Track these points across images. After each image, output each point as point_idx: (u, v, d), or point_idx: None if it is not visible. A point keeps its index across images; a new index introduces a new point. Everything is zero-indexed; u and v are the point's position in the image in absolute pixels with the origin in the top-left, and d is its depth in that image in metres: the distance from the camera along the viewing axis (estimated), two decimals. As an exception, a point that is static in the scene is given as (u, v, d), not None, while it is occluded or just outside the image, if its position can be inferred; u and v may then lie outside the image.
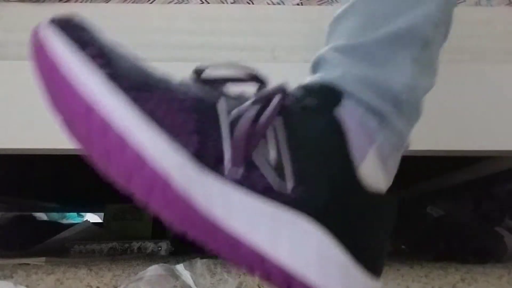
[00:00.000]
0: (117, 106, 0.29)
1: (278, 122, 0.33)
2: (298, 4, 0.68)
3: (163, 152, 0.29)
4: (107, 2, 0.68)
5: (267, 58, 0.67)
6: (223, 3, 0.69)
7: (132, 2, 0.68)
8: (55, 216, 2.22)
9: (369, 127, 0.35)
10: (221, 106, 0.32)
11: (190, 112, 0.31)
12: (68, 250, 0.88)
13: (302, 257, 0.30)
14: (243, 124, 0.31)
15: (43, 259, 0.73)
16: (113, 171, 0.30)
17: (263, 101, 0.33)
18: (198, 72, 0.36)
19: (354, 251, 0.32)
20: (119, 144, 0.28)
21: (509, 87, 0.66)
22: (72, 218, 2.39)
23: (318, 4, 0.69)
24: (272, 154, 0.32)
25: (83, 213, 2.37)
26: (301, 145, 0.33)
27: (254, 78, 0.37)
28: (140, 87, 0.31)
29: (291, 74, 0.67)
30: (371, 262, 0.34)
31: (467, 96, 0.66)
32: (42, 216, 1.93)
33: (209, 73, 0.36)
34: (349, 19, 0.39)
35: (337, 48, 0.38)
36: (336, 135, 0.34)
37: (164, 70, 0.66)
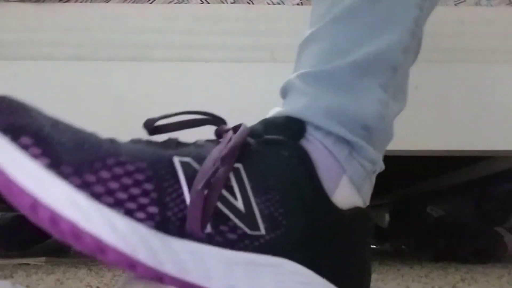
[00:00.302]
0: (63, 196, 0.27)
1: (241, 164, 0.32)
2: (298, 4, 0.69)
3: (122, 233, 0.27)
4: (107, 2, 0.68)
5: (266, 58, 0.67)
6: (223, 3, 0.69)
7: (132, 2, 0.68)
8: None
9: (339, 158, 0.34)
10: (177, 165, 0.31)
11: (145, 182, 0.29)
12: (68, 250, 0.88)
13: None
14: (203, 179, 0.29)
15: (43, 259, 0.73)
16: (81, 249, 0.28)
17: (221, 147, 0.31)
18: (149, 126, 0.34)
19: (338, 281, 0.32)
20: (74, 234, 0.27)
21: (509, 87, 0.66)
22: (72, 218, 2.38)
23: (318, 4, 0.69)
24: (240, 200, 0.31)
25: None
26: (268, 185, 0.32)
27: (210, 120, 0.36)
28: (85, 169, 0.28)
29: (291, 74, 0.67)
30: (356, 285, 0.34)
31: (467, 96, 0.66)
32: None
33: (161, 125, 0.35)
34: (316, 44, 0.39)
35: (304, 76, 0.37)
36: (304, 168, 0.33)
37: (165, 70, 0.66)
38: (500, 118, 0.65)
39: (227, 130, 0.34)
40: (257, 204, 0.31)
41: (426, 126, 0.65)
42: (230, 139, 0.32)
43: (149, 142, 0.33)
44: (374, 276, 0.65)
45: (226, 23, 0.68)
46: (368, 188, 0.37)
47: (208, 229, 0.29)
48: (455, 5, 0.70)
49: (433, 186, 1.19)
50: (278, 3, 0.68)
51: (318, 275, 0.31)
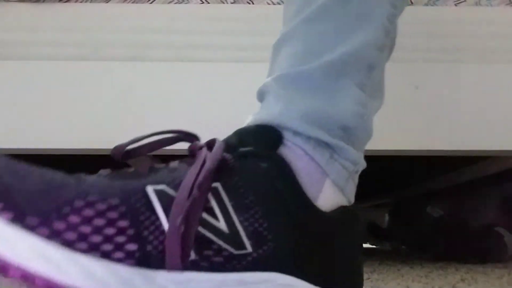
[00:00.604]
0: (32, 251, 0.25)
1: (219, 183, 0.30)
2: (298, 4, 0.68)
3: (100, 279, 0.26)
4: (107, 2, 0.68)
5: (266, 58, 0.67)
6: (223, 3, 0.69)
7: (132, 2, 0.68)
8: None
9: (320, 162, 0.33)
10: (152, 194, 0.29)
11: (119, 220, 0.28)
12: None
13: None
14: (179, 214, 0.27)
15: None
16: None
17: (195, 169, 0.30)
18: (118, 153, 0.32)
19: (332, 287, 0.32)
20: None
21: (509, 87, 0.66)
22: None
23: (318, 4, 0.69)
24: (222, 221, 0.30)
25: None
26: (250, 201, 0.31)
27: (182, 137, 0.34)
28: (53, 217, 0.27)
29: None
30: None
31: (467, 96, 0.66)
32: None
33: (131, 149, 0.33)
34: (290, 45, 0.38)
35: (279, 79, 0.36)
36: (284, 178, 0.32)
37: (165, 70, 0.66)
38: (500, 118, 0.65)
39: (201, 147, 0.32)
40: (241, 222, 0.30)
41: (426, 126, 0.65)
42: (204, 160, 0.30)
43: (119, 172, 0.32)
44: (374, 276, 0.65)
45: (226, 23, 0.68)
46: (352, 187, 0.36)
47: (192, 256, 0.28)
48: (455, 5, 0.70)
49: (433, 186, 1.19)
50: (278, 3, 0.68)
51: (311, 284, 0.31)
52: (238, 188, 0.31)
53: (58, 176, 0.29)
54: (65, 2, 0.68)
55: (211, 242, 0.29)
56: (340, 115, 0.35)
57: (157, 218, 0.28)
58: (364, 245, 1.73)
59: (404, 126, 0.65)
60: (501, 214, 1.15)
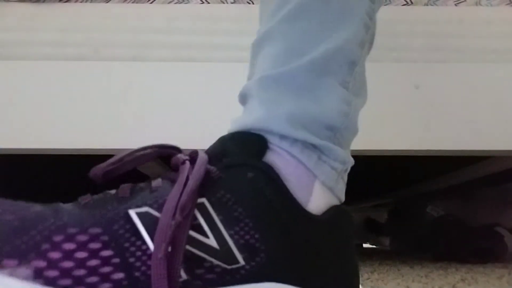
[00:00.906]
0: None
1: (205, 198, 0.30)
2: (298, 4, 0.68)
3: None
4: (107, 2, 0.68)
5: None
6: (223, 3, 0.69)
7: (132, 2, 0.68)
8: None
9: (309, 165, 0.33)
10: (135, 218, 0.28)
11: (103, 249, 0.27)
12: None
13: None
14: (163, 241, 0.26)
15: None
16: None
17: (178, 189, 0.29)
18: (96, 175, 0.31)
19: None
20: None
21: (509, 87, 0.66)
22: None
23: (318, 4, 0.69)
24: (211, 237, 0.29)
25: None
26: (239, 213, 0.30)
27: (163, 152, 0.33)
28: (32, 256, 0.25)
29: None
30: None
31: (467, 96, 0.66)
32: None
33: (110, 169, 0.31)
34: (270, 45, 0.37)
35: (261, 80, 0.35)
36: (272, 186, 0.31)
37: (165, 70, 0.66)
38: (500, 118, 0.65)
39: (184, 161, 0.31)
40: (231, 236, 0.29)
41: (426, 126, 0.65)
42: (187, 177, 0.29)
43: (99, 198, 0.30)
44: (374, 276, 0.65)
45: (226, 23, 0.68)
46: (342, 186, 0.35)
47: (183, 276, 0.28)
48: (455, 5, 0.70)
49: (433, 186, 1.19)
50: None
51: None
52: (225, 201, 0.30)
53: (32, 209, 0.28)
54: (65, 2, 0.68)
55: (202, 260, 0.28)
56: (326, 115, 0.34)
57: (143, 242, 0.28)
58: (364, 245, 1.73)
59: (404, 126, 0.65)
60: (501, 214, 1.15)
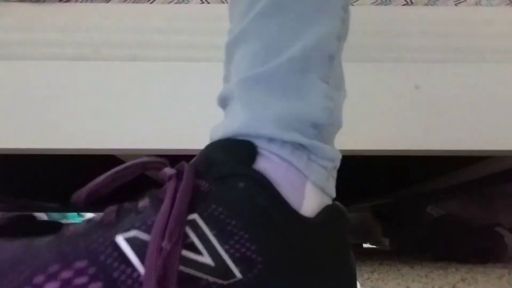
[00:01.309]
0: None
1: (196, 214, 0.29)
2: (298, 4, 0.68)
3: None
4: (107, 2, 0.68)
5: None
6: (223, 3, 0.69)
7: (132, 2, 0.68)
8: (55, 216, 2.22)
9: (299, 166, 0.32)
10: (123, 244, 0.27)
11: (91, 283, 0.26)
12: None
13: None
14: (153, 257, 0.26)
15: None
16: None
17: (165, 209, 0.28)
18: (79, 200, 0.30)
19: None
20: None
21: (509, 87, 0.66)
22: (72, 218, 2.39)
23: (318, 4, 0.69)
24: (206, 254, 0.28)
25: (83, 213, 2.37)
26: (232, 226, 0.29)
27: (148, 167, 0.32)
28: None
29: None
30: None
31: (467, 96, 0.66)
32: (42, 216, 1.93)
33: (94, 191, 0.30)
34: (246, 44, 0.35)
35: (242, 83, 0.34)
36: (265, 195, 0.30)
37: (164, 70, 0.66)
38: (500, 118, 0.65)
39: (170, 177, 0.30)
40: (226, 250, 0.28)
41: (426, 126, 0.65)
42: (175, 196, 0.28)
43: (84, 227, 0.29)
44: (374, 276, 0.65)
45: (226, 23, 0.68)
46: (332, 184, 0.35)
47: None
48: (455, 5, 0.70)
49: (433, 186, 1.19)
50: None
51: None
52: (218, 215, 0.29)
53: (6, 251, 0.26)
54: (65, 2, 0.68)
55: (198, 279, 0.27)
56: (311, 113, 0.33)
57: (134, 269, 0.27)
58: (364, 245, 1.73)
59: (404, 126, 0.65)
60: (501, 214, 1.15)
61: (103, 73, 0.65)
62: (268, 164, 0.31)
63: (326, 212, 0.33)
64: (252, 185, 0.30)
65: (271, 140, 0.32)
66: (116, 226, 0.28)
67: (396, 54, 0.67)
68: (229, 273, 0.28)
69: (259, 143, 0.32)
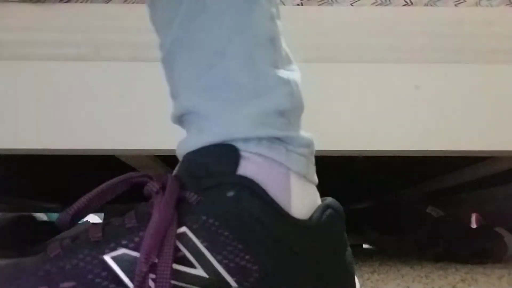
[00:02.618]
0: None
1: (186, 227, 0.28)
2: (298, 4, 0.68)
3: None
4: (107, 3, 0.68)
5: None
6: (223, 3, 0.69)
7: (132, 2, 0.68)
8: (55, 216, 2.22)
9: (280, 159, 0.31)
10: (112, 263, 0.27)
11: None
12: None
13: None
14: (143, 276, 0.25)
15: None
16: None
17: (153, 227, 0.27)
18: (64, 221, 0.29)
19: None
20: None
21: (509, 87, 0.66)
22: (72, 218, 2.39)
23: (318, 4, 0.69)
24: (199, 267, 0.28)
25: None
26: (225, 237, 0.28)
27: (133, 182, 0.31)
28: None
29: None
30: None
31: (467, 96, 0.66)
32: (42, 216, 1.93)
33: (79, 210, 0.30)
34: (184, 53, 0.34)
35: (196, 95, 0.33)
36: (257, 201, 0.30)
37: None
38: (500, 118, 0.65)
39: (157, 191, 0.29)
40: (220, 261, 0.28)
41: (426, 126, 0.65)
42: (161, 211, 0.28)
43: (70, 246, 0.28)
44: (374, 277, 0.65)
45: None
46: (313, 169, 0.34)
47: None
48: (455, 5, 0.70)
49: (433, 186, 1.19)
50: (278, 4, 0.68)
51: None
52: (209, 226, 0.29)
53: None
54: (65, 2, 0.68)
55: None
56: (275, 103, 0.32)
57: (125, 287, 0.27)
58: (364, 246, 1.73)
59: (404, 126, 0.65)
60: (501, 214, 1.15)
61: (103, 73, 0.65)
62: (252, 166, 0.31)
63: (320, 212, 0.32)
64: (241, 193, 0.30)
65: (247, 140, 0.31)
66: (103, 244, 0.28)
67: (396, 54, 0.67)
68: (225, 284, 0.28)
69: (239, 145, 0.31)
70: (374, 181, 1.29)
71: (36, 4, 0.67)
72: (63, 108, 0.64)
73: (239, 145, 0.31)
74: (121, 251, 0.27)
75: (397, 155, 0.66)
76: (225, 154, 0.31)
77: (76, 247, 0.28)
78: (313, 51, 0.67)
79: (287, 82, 0.33)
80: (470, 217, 1.11)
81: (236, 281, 0.28)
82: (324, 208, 0.33)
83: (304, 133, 0.34)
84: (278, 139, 0.32)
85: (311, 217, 0.32)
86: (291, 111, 0.33)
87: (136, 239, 0.28)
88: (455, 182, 1.07)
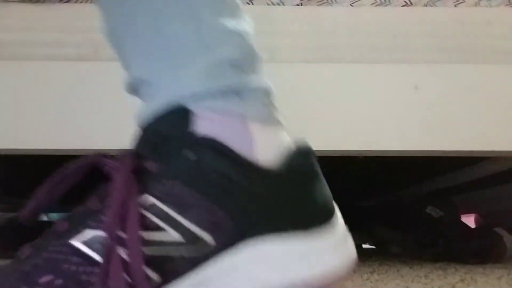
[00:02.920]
0: None
1: (153, 197, 0.28)
2: (298, 5, 0.68)
3: None
4: (107, 2, 0.68)
5: (266, 58, 0.67)
6: (223, 3, 0.69)
7: (132, 2, 0.68)
8: (55, 216, 2.22)
9: (235, 109, 0.31)
10: (83, 248, 0.27)
11: None
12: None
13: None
14: (112, 245, 0.26)
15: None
16: None
17: (112, 199, 0.27)
18: (25, 218, 0.29)
19: (309, 229, 0.30)
20: None
21: (509, 87, 0.66)
22: (72, 218, 2.39)
23: (318, 5, 0.69)
24: (168, 229, 0.28)
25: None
26: (194, 200, 0.28)
27: (94, 163, 0.31)
28: None
29: (291, 74, 0.67)
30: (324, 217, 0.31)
31: (467, 96, 0.66)
32: (42, 216, 1.93)
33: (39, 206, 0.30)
34: (130, 40, 0.33)
35: (144, 60, 0.32)
36: (221, 159, 0.29)
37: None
38: (500, 118, 0.65)
39: (115, 168, 0.29)
40: (192, 221, 0.28)
41: (426, 126, 0.65)
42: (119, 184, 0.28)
43: (39, 243, 0.29)
44: (374, 277, 0.65)
45: (226, 23, 0.68)
46: (274, 111, 0.33)
47: (155, 278, 0.27)
48: (455, 5, 0.70)
49: (433, 186, 1.19)
50: (278, 4, 0.68)
51: (283, 232, 0.29)
52: (174, 191, 0.29)
53: None
54: (65, 2, 0.68)
55: (170, 258, 0.27)
56: (223, 54, 0.31)
57: (101, 267, 0.27)
58: (364, 246, 1.73)
59: (404, 126, 0.65)
60: (500, 214, 1.15)
61: (103, 73, 0.65)
62: (207, 122, 0.30)
63: (289, 158, 0.31)
64: (202, 153, 0.29)
65: (198, 97, 0.30)
66: (71, 231, 0.28)
67: (396, 54, 0.68)
68: (201, 242, 0.28)
69: (190, 104, 0.30)
70: (373, 181, 1.30)
71: (36, 4, 0.67)
72: (63, 108, 0.64)
73: (190, 104, 0.30)
74: (89, 233, 0.27)
75: (397, 155, 0.66)
76: (176, 116, 0.30)
77: (45, 242, 0.28)
78: (313, 51, 0.67)
79: (233, 32, 0.32)
80: (469, 217, 1.11)
81: (212, 237, 0.28)
82: (293, 153, 0.31)
83: (258, 77, 0.33)
84: (230, 88, 0.31)
85: (279, 161, 0.31)
86: (242, 60, 0.32)
87: (101, 218, 0.28)
88: (455, 182, 1.07)
